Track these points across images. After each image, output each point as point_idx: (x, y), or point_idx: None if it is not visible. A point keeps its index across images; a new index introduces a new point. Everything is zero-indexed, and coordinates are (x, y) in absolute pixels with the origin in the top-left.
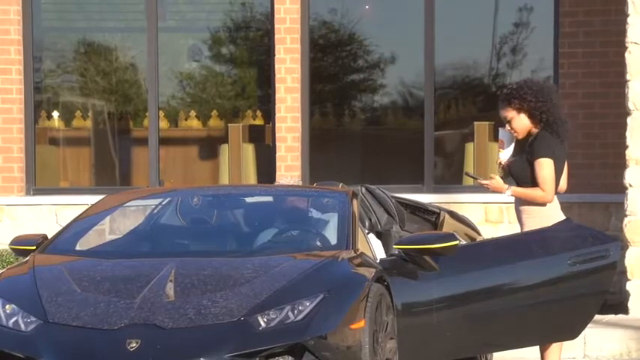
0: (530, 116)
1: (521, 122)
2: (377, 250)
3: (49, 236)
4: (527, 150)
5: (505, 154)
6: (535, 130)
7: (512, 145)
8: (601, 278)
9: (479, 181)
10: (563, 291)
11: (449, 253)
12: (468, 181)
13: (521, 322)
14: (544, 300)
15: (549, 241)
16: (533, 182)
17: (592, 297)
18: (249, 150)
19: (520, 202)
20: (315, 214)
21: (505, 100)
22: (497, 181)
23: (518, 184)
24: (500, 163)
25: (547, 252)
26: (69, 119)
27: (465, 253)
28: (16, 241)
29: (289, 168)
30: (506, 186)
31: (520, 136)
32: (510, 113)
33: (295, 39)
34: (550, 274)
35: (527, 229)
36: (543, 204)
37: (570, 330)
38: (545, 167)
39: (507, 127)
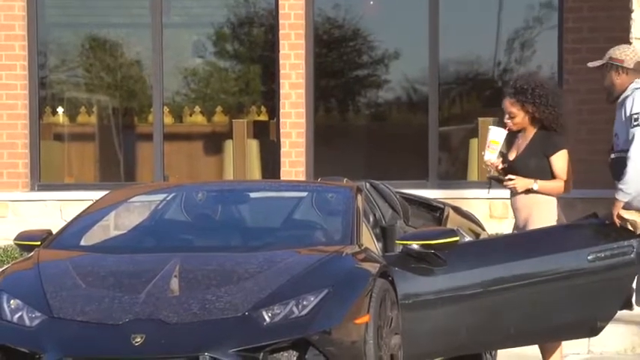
0: (533, 118)
1: (522, 120)
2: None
3: (54, 232)
4: (538, 147)
5: (493, 155)
6: (531, 129)
7: (501, 144)
8: (624, 274)
9: (504, 182)
10: (585, 287)
11: (449, 249)
12: (472, 176)
13: (541, 318)
14: (566, 295)
15: (571, 236)
16: (552, 176)
17: (615, 293)
18: (253, 145)
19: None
20: (319, 209)
21: (515, 94)
22: (519, 179)
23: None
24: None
25: (568, 247)
26: (74, 115)
27: (482, 248)
28: (21, 237)
29: (294, 164)
30: (532, 180)
31: (514, 129)
32: (516, 109)
33: (300, 35)
34: (571, 270)
35: (531, 222)
36: (557, 196)
37: (591, 327)
38: (563, 158)
39: (506, 117)
